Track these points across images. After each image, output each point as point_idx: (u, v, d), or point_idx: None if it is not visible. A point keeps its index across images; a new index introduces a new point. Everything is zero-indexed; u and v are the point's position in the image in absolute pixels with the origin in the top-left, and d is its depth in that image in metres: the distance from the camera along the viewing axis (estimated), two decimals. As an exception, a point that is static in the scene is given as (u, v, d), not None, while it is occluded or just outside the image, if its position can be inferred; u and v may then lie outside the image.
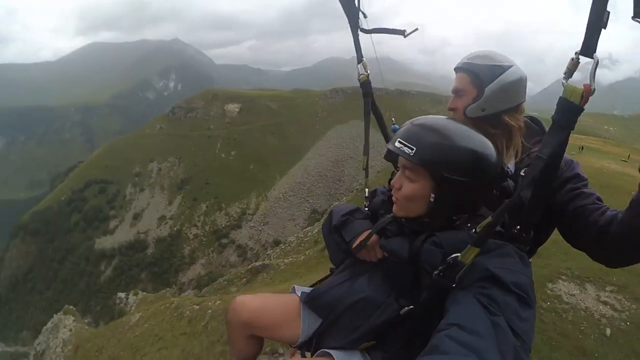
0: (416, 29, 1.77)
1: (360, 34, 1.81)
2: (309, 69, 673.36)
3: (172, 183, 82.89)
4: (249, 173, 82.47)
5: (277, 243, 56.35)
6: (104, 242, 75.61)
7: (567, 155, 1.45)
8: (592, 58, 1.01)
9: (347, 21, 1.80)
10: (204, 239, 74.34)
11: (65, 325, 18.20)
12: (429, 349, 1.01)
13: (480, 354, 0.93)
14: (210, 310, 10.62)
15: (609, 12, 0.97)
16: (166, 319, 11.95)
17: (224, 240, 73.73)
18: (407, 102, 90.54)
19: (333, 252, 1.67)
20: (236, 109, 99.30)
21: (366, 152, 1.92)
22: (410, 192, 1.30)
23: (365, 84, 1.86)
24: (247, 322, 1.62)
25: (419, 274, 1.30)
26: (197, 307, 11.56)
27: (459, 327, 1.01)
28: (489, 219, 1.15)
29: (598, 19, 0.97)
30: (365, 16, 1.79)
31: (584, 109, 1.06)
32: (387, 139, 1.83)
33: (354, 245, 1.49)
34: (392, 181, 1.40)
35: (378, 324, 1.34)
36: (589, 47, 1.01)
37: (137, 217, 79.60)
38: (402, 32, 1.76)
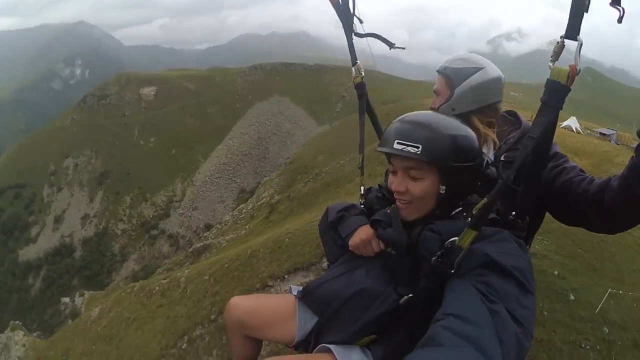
0: (403, 48, 1.96)
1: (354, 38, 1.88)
2: (224, 47, 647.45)
3: (91, 178, 79.63)
4: (171, 159, 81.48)
5: (208, 227, 57.54)
6: (28, 253, 71.55)
7: None
8: (577, 40, 1.04)
9: (341, 26, 1.87)
10: (133, 233, 72.87)
11: (16, 342, 17.30)
12: (425, 341, 1.00)
13: (477, 344, 0.92)
14: (183, 278, 10.80)
15: None
16: (133, 301, 11.75)
17: (154, 232, 72.59)
18: (326, 77, 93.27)
19: (329, 249, 1.69)
20: (152, 92, 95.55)
21: (361, 150, 1.91)
22: (421, 191, 1.30)
23: (360, 85, 1.92)
24: (241, 323, 1.59)
25: (417, 263, 1.30)
26: (166, 280, 11.53)
27: (455, 317, 1.00)
28: (485, 199, 1.14)
29: (580, 5, 1.02)
30: (361, 22, 1.87)
31: (570, 89, 1.09)
32: (380, 135, 1.85)
33: (351, 242, 1.49)
34: (394, 186, 1.35)
35: (377, 314, 1.34)
36: (572, 30, 1.04)
37: (58, 219, 75.72)
38: (391, 44, 1.92)
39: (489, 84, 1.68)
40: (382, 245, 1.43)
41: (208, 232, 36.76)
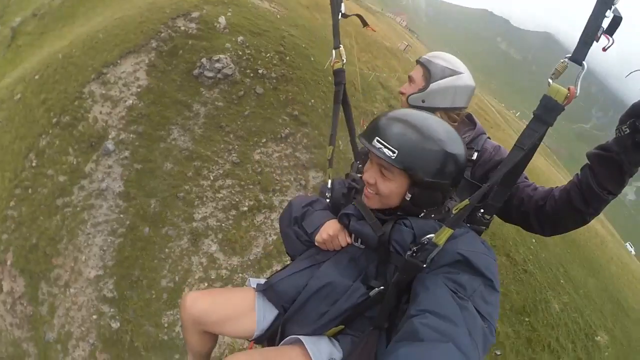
0: (374, 30, 2.58)
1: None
2: None
3: None
4: None
5: None
6: None
7: (493, 141, 1.70)
8: (581, 65, 1.06)
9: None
10: None
11: None
12: (405, 336, 1.03)
13: (454, 340, 0.97)
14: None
15: (603, 29, 1.04)
16: None
17: None
18: None
19: (291, 244, 1.63)
20: None
21: (332, 142, 1.83)
22: (387, 190, 1.31)
23: (339, 72, 1.80)
24: (198, 318, 1.54)
25: (385, 257, 1.32)
26: None
27: (432, 314, 1.04)
28: (467, 201, 1.16)
29: (591, 35, 1.04)
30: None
31: (564, 108, 1.11)
32: (352, 130, 1.89)
33: (318, 238, 1.47)
34: (365, 176, 1.35)
35: (345, 308, 1.34)
36: (579, 55, 1.06)
37: None
38: (365, 23, 1.97)
39: (462, 89, 1.77)
40: (349, 240, 1.43)
41: None
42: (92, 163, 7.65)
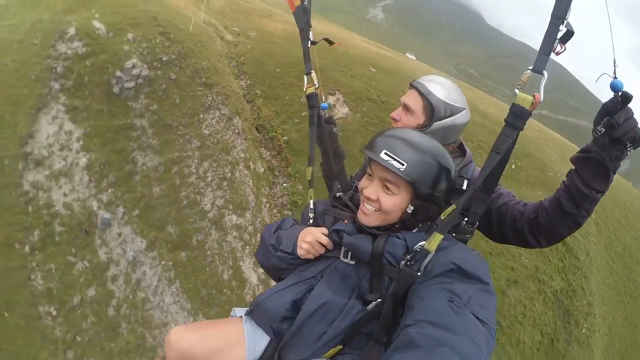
0: (340, 45, 2.17)
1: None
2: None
3: None
4: None
5: None
6: None
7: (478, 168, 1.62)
8: (542, 74, 1.20)
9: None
10: None
11: None
12: (400, 345, 1.05)
13: (453, 345, 0.99)
14: None
15: (558, 41, 1.20)
16: None
17: None
18: None
19: (280, 271, 1.65)
20: None
21: (311, 163, 1.90)
22: (391, 205, 1.36)
23: (312, 96, 1.93)
24: (185, 353, 1.47)
25: (380, 270, 1.34)
26: None
27: (429, 323, 1.06)
28: (454, 206, 1.27)
29: (549, 48, 1.20)
30: (310, 26, 1.91)
31: (532, 114, 1.25)
32: (326, 151, 2.00)
33: (299, 251, 1.51)
34: (367, 193, 1.39)
35: (343, 327, 1.34)
36: (539, 66, 1.19)
37: None
38: (332, 42, 2.04)
39: (461, 126, 1.77)
40: (328, 245, 1.48)
41: None
42: (103, 248, 7.79)
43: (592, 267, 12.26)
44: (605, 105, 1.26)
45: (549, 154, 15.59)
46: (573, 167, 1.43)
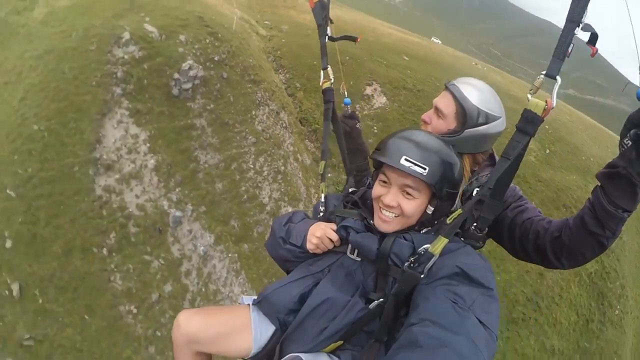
0: (360, 37, 2.02)
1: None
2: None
3: None
4: None
5: None
6: None
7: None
8: (555, 80, 1.17)
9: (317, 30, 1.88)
10: None
11: None
12: (404, 343, 1.07)
13: (454, 346, 1.00)
14: None
15: (573, 45, 1.15)
16: None
17: None
18: None
19: (289, 262, 1.66)
20: None
21: (324, 156, 1.90)
22: (413, 209, 1.37)
23: (328, 90, 1.91)
24: (192, 337, 1.50)
25: (385, 270, 1.35)
26: None
27: (432, 322, 1.07)
28: (459, 210, 1.28)
29: (563, 52, 1.16)
30: (331, 22, 1.91)
31: (544, 120, 1.22)
32: (342, 146, 1.97)
33: (309, 246, 1.51)
34: (388, 200, 1.37)
35: (344, 323, 1.35)
36: (553, 70, 1.17)
37: None
38: (354, 38, 1.98)
39: (496, 135, 1.66)
40: (337, 241, 1.48)
41: None
42: (176, 245, 8.03)
43: (624, 250, 12.49)
44: (631, 116, 1.19)
45: (581, 137, 15.66)
46: (598, 184, 1.32)
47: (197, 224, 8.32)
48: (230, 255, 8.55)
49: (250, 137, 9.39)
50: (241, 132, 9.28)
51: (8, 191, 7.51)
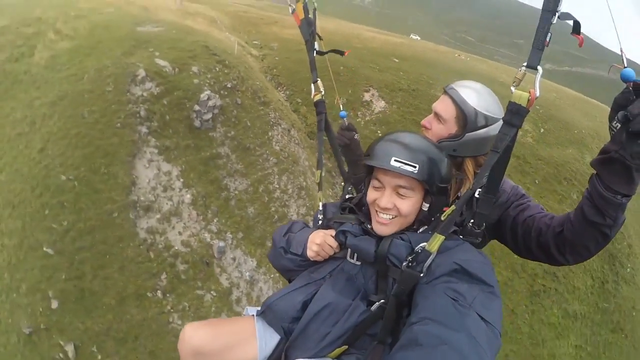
0: (348, 52, 2.08)
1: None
2: None
3: None
4: None
5: None
6: None
7: (510, 180, 1.63)
8: (537, 70, 1.18)
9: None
10: None
11: None
12: (405, 342, 1.08)
13: (453, 344, 1.01)
14: None
15: (551, 34, 1.15)
16: None
17: None
18: None
19: (291, 272, 1.68)
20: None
21: (319, 166, 1.94)
22: (409, 208, 1.38)
23: (320, 102, 1.96)
24: (198, 350, 1.50)
25: (384, 271, 1.37)
26: None
27: (432, 320, 1.08)
28: (453, 207, 1.28)
29: (542, 42, 1.15)
30: (320, 38, 1.94)
31: (529, 110, 1.21)
32: (337, 155, 2.06)
33: (310, 254, 1.53)
34: (383, 203, 1.38)
35: (347, 328, 1.36)
36: (533, 62, 1.17)
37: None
38: (342, 52, 2.04)
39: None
40: (334, 243, 1.50)
41: None
42: (223, 275, 8.12)
43: (626, 211, 13.75)
44: (616, 98, 1.18)
45: (571, 113, 16.10)
46: (594, 172, 1.30)
47: (238, 250, 8.47)
48: (272, 275, 8.77)
49: (271, 159, 9.61)
50: (262, 154, 9.49)
51: (45, 249, 7.28)
